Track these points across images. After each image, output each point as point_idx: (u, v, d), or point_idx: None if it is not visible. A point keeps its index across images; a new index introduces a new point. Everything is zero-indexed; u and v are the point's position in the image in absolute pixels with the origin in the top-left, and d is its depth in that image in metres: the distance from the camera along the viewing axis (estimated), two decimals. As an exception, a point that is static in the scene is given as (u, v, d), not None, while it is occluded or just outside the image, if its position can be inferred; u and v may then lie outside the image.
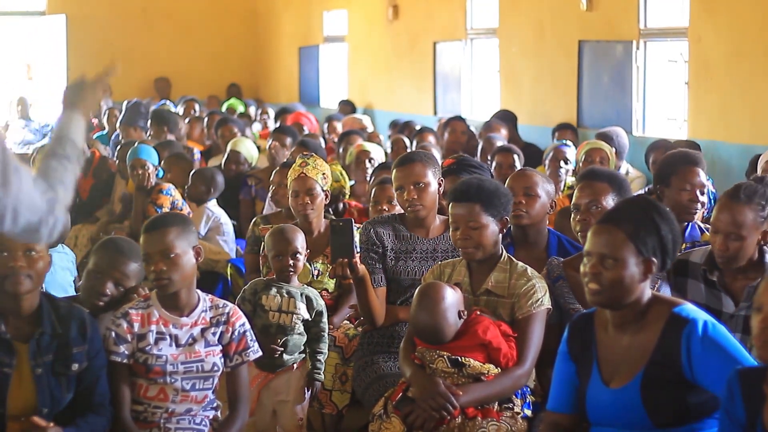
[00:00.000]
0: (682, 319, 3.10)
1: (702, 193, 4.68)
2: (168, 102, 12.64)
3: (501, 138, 8.54)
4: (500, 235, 4.05)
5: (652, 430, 3.13)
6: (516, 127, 9.41)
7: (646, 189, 7.09)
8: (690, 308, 3.15)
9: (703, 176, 4.70)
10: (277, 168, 6.37)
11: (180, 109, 11.75)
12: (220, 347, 3.86)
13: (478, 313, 3.91)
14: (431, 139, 8.55)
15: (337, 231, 4.26)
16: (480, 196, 3.99)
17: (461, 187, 4.09)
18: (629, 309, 3.17)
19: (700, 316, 3.11)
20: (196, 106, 12.06)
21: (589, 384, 3.23)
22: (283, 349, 4.47)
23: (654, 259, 3.14)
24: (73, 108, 3.04)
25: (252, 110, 13.25)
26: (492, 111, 10.87)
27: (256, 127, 11.58)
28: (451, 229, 4.06)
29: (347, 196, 6.56)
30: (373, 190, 5.53)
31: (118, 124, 10.00)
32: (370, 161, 7.30)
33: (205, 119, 10.70)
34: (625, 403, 3.13)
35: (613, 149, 7.50)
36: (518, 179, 4.59)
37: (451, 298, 3.84)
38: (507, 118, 9.42)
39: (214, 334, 3.85)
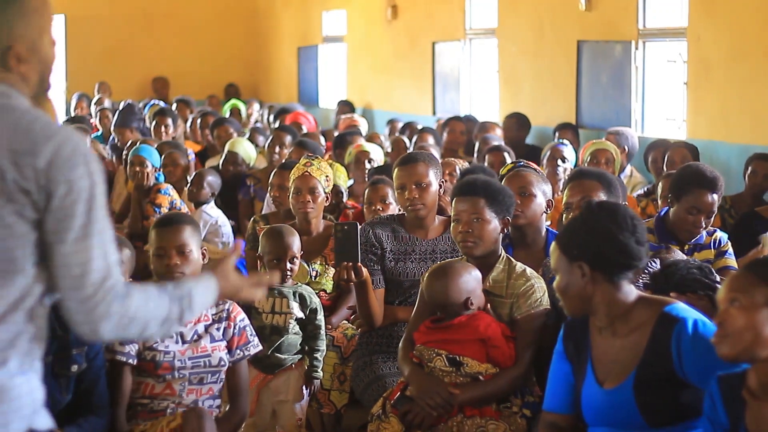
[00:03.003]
0: (672, 318, 3.09)
1: (709, 217, 4.67)
2: (157, 101, 12.62)
3: (496, 138, 8.55)
4: (501, 234, 4.06)
5: (647, 429, 3.13)
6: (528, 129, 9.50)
7: (645, 189, 7.10)
8: (680, 307, 3.15)
9: (715, 199, 4.67)
10: (276, 169, 6.37)
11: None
12: (224, 342, 3.92)
13: (487, 307, 3.92)
14: (431, 139, 8.56)
15: (341, 234, 4.27)
16: (486, 191, 4.01)
17: (467, 182, 4.10)
18: (603, 314, 3.18)
19: (690, 314, 3.11)
20: (191, 108, 12.03)
21: (584, 384, 3.23)
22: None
23: (582, 262, 3.15)
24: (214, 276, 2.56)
25: (256, 107, 13.21)
26: (491, 111, 10.90)
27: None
28: (452, 224, 4.06)
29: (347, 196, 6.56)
30: (366, 191, 5.54)
31: (112, 127, 10.00)
32: (369, 162, 7.30)
33: (198, 120, 10.66)
34: (619, 404, 3.13)
35: (625, 150, 7.53)
36: (513, 179, 4.57)
37: (475, 276, 3.89)
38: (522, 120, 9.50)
39: (218, 329, 3.92)
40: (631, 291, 3.20)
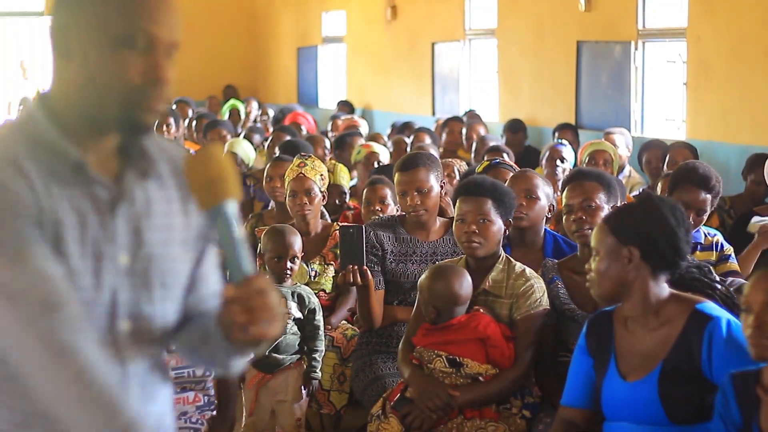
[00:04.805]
0: (705, 316, 3.09)
1: (699, 215, 4.63)
2: None
3: (495, 138, 8.54)
4: (502, 236, 4.06)
5: (667, 425, 3.11)
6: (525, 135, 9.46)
7: (642, 189, 7.09)
8: (712, 306, 3.14)
9: (707, 198, 4.62)
10: (271, 161, 6.32)
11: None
12: None
13: (481, 311, 3.91)
14: (427, 139, 8.53)
15: (347, 237, 4.26)
16: (493, 192, 4.00)
17: (474, 182, 4.09)
18: (636, 303, 3.16)
19: (723, 314, 3.10)
20: (189, 111, 11.99)
21: (605, 378, 3.22)
22: None
23: (635, 248, 3.14)
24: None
25: (254, 105, 13.20)
26: (491, 111, 10.90)
27: None
28: (455, 223, 4.05)
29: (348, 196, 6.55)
30: (364, 191, 5.52)
31: None
32: (378, 163, 7.29)
33: (194, 122, 10.62)
34: (641, 397, 3.12)
35: (627, 152, 7.53)
36: (520, 181, 4.54)
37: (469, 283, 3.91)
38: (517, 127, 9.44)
39: None
40: (665, 288, 3.19)
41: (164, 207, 1.97)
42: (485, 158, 7.24)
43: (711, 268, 3.74)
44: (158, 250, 1.95)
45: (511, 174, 4.95)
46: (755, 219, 5.54)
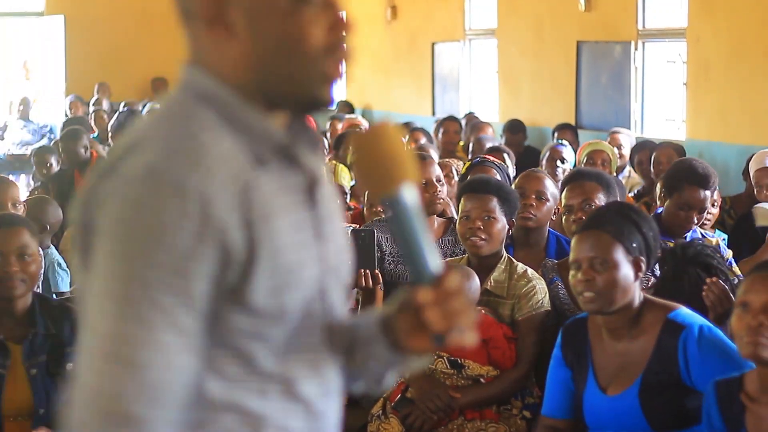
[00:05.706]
0: (677, 325, 3.06)
1: (701, 213, 4.62)
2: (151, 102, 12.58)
3: (491, 138, 8.53)
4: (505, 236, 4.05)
5: None
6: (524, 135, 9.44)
7: (637, 191, 7.08)
8: (685, 313, 3.12)
9: (707, 196, 4.60)
10: None
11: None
12: None
13: (483, 312, 3.90)
14: (422, 139, 8.51)
15: (360, 241, 4.24)
16: (498, 191, 4.00)
17: (480, 180, 4.09)
18: (622, 313, 3.13)
19: (696, 320, 3.08)
20: None
21: (585, 391, 3.20)
22: None
23: (642, 257, 3.12)
24: None
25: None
26: (491, 112, 10.89)
27: None
28: (459, 221, 4.03)
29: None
30: (366, 192, 5.50)
31: (110, 130, 9.96)
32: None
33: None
34: (623, 410, 3.11)
35: (627, 152, 7.53)
36: (531, 181, 4.49)
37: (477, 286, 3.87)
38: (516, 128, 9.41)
39: None
40: (641, 294, 3.18)
41: (329, 190, 1.69)
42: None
43: (720, 249, 3.74)
44: (338, 242, 1.68)
45: (494, 171, 4.95)
46: (761, 205, 5.48)
